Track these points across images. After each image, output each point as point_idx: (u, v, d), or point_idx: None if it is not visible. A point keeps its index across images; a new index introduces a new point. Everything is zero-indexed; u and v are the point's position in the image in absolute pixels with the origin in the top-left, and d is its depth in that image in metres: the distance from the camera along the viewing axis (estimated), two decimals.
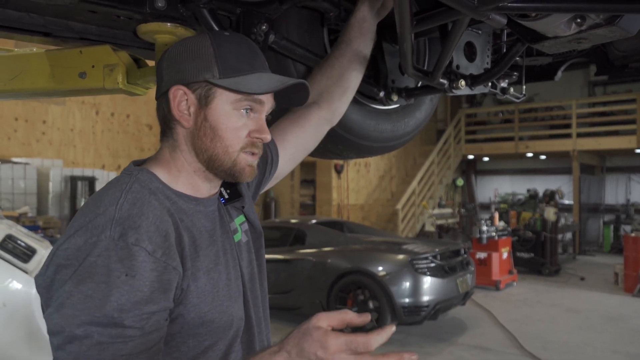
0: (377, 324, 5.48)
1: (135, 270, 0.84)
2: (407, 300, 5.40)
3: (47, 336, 2.92)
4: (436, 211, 11.99)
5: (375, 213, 12.89)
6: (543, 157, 14.11)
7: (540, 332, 5.92)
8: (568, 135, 12.63)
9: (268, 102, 1.04)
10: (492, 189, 14.96)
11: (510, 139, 13.52)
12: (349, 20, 1.39)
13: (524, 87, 1.63)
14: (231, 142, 1.00)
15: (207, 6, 1.25)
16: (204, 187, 1.05)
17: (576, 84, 14.16)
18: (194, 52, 1.00)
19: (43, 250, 3.58)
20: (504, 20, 0.98)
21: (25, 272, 3.44)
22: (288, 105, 1.16)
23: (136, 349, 0.83)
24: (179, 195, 1.00)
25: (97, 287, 0.82)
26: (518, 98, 1.63)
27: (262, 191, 1.34)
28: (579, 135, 12.48)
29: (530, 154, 13.51)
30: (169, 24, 1.31)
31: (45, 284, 0.88)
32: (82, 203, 10.84)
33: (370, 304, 5.53)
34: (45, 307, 0.88)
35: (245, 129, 1.01)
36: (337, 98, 1.39)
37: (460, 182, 14.47)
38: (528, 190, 13.07)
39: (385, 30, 1.52)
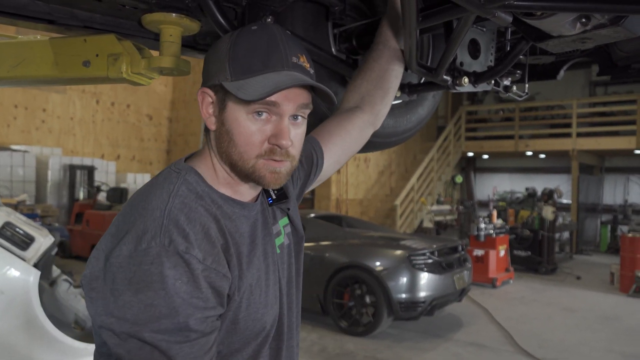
0: (374, 319, 5.51)
1: (189, 277, 0.84)
2: (403, 295, 5.42)
3: (45, 324, 2.88)
4: (434, 207, 11.99)
5: (374, 208, 12.91)
6: (542, 156, 14.13)
7: (536, 331, 5.95)
8: (568, 135, 12.64)
9: (291, 103, 0.96)
10: (490, 186, 14.96)
11: (511, 137, 13.53)
12: (382, 20, 1.37)
13: (527, 85, 1.63)
14: (244, 148, 0.96)
15: None
16: (244, 190, 1.03)
17: (577, 84, 14.16)
18: (218, 52, 0.99)
19: (41, 239, 3.57)
20: (510, 18, 0.99)
21: (24, 259, 3.44)
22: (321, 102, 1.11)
23: (201, 350, 0.85)
24: (224, 199, 0.99)
25: (155, 295, 0.83)
26: (520, 96, 1.63)
27: (306, 191, 1.33)
28: (579, 135, 12.49)
29: (529, 153, 13.53)
30: (174, 15, 1.30)
31: (97, 289, 0.87)
32: (81, 192, 10.87)
33: (367, 299, 5.55)
34: (97, 310, 0.87)
35: (260, 134, 0.96)
36: (379, 101, 1.38)
37: (459, 179, 14.47)
38: (527, 189, 13.07)
39: None
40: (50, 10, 1.27)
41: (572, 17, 1.07)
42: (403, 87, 1.60)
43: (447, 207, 12.55)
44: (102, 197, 10.16)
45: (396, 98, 1.63)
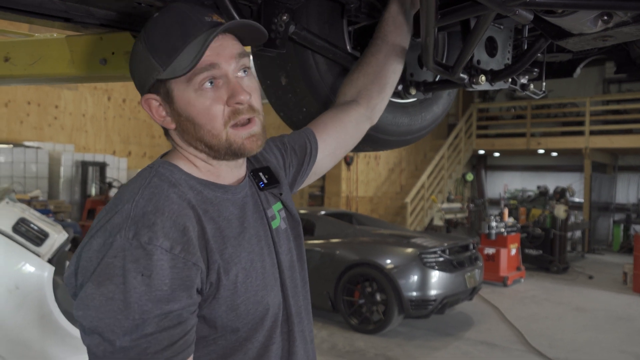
0: (384, 316, 5.50)
1: (151, 270, 0.84)
2: (414, 293, 5.40)
3: (59, 320, 2.92)
4: (445, 205, 11.94)
5: (384, 206, 12.88)
6: (554, 154, 14.01)
7: (547, 330, 5.91)
8: (581, 133, 12.51)
9: (228, 58, 0.95)
10: (501, 184, 14.88)
11: (522, 134, 13.42)
12: (382, 15, 1.37)
13: (544, 83, 1.62)
14: (211, 124, 0.95)
15: None
16: (226, 173, 1.03)
17: (591, 81, 14.00)
18: (137, 55, 0.97)
19: (55, 235, 3.60)
20: (531, 16, 0.97)
21: (38, 255, 3.47)
22: (250, 43, 1.07)
23: (160, 345, 0.84)
24: (204, 184, 0.98)
25: (116, 289, 0.83)
26: (537, 95, 1.61)
27: (301, 187, 1.32)
28: (592, 132, 12.36)
29: (541, 151, 13.42)
30: None
31: (72, 284, 0.90)
32: (92, 188, 10.95)
33: (378, 297, 5.54)
34: (74, 306, 0.90)
35: (216, 102, 0.95)
36: (375, 95, 1.37)
37: (470, 176, 14.40)
38: (538, 187, 12.97)
39: None
40: (67, 9, 1.27)
41: (593, 14, 1.05)
42: (418, 85, 1.59)
43: (457, 205, 12.49)
44: (113, 193, 10.23)
45: (411, 96, 1.62)
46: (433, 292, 5.44)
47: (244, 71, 0.98)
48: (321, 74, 1.51)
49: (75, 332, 3.47)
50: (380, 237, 6.13)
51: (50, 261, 3.54)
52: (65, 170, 10.83)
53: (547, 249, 9.74)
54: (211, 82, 0.94)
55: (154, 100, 0.98)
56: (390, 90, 1.41)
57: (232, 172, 1.04)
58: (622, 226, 13.09)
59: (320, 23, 1.47)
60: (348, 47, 1.54)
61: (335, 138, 1.34)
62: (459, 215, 12.36)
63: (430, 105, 1.76)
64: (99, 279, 0.84)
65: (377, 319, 5.61)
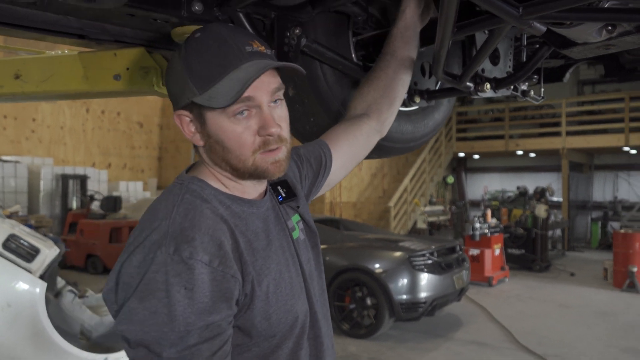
0: (375, 320, 5.54)
1: (193, 283, 0.86)
2: (404, 296, 5.45)
3: (52, 336, 2.88)
4: (428, 208, 12.06)
5: (367, 211, 12.95)
6: (532, 155, 14.28)
7: (534, 328, 6.02)
8: (558, 134, 12.80)
9: (264, 91, 0.97)
10: (481, 186, 15.09)
11: (501, 137, 13.66)
12: (391, 31, 1.40)
13: (542, 89, 1.67)
14: (239, 150, 0.98)
15: (244, 10, 1.27)
16: (251, 189, 1.06)
17: (566, 83, 14.28)
18: (174, 72, 0.99)
19: (46, 250, 3.56)
20: (544, 29, 1.02)
21: (29, 271, 3.42)
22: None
23: (202, 356, 0.87)
24: (232, 199, 1.01)
25: (159, 303, 0.85)
26: (537, 100, 1.67)
27: (315, 197, 1.35)
28: (569, 133, 12.65)
29: (520, 152, 13.68)
30: None
31: (111, 300, 0.92)
32: (74, 201, 10.78)
33: (368, 301, 5.58)
34: (115, 321, 0.92)
35: (248, 132, 0.97)
36: (385, 109, 1.41)
37: (450, 179, 14.56)
38: (518, 188, 13.20)
39: None
40: (82, 26, 1.29)
41: (599, 25, 1.11)
42: (422, 93, 1.63)
43: (440, 207, 12.62)
44: (95, 206, 10.09)
45: (415, 104, 1.66)
46: (423, 295, 5.50)
47: (275, 101, 1.01)
48: (329, 85, 1.54)
49: (69, 347, 3.43)
50: (368, 241, 6.18)
51: (42, 277, 3.49)
52: (45, 183, 10.66)
53: (529, 248, 9.92)
54: (244, 111, 0.97)
55: (186, 117, 1.01)
56: (399, 103, 1.45)
57: (255, 188, 1.07)
58: (599, 223, 13.41)
59: (328, 35, 1.50)
60: (354, 58, 1.57)
61: (347, 151, 1.38)
62: (442, 218, 12.48)
63: (432, 112, 1.81)
64: (142, 294, 0.86)
65: (368, 323, 5.64)
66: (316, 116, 1.60)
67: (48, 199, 10.70)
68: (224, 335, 0.90)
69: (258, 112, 0.98)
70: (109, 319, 4.15)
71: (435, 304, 5.60)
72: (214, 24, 1.03)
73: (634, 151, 12.94)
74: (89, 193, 10.65)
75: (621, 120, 12.12)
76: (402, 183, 12.55)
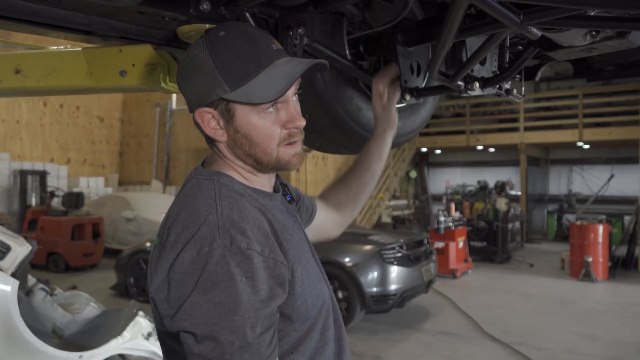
0: (347, 313, 5.63)
1: (253, 272, 0.89)
2: (375, 289, 5.57)
3: (24, 334, 2.84)
4: (392, 203, 12.28)
5: None
6: (492, 149, 14.71)
7: (499, 317, 6.25)
8: (516, 129, 13.24)
9: (292, 88, 1.03)
10: (443, 180, 15.46)
11: (462, 132, 14.02)
12: (368, 143, 1.52)
13: (523, 88, 1.78)
14: (267, 143, 1.02)
15: (250, 10, 1.31)
16: (267, 182, 1.10)
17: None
18: (198, 69, 0.99)
19: (18, 247, 3.49)
20: (540, 33, 1.11)
21: (1, 269, 3.35)
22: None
23: (265, 343, 0.89)
24: (258, 193, 1.05)
25: (224, 293, 0.87)
26: (518, 98, 1.77)
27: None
28: (526, 129, 13.11)
29: (480, 147, 14.07)
30: (207, 26, 1.36)
31: (166, 299, 0.92)
32: (33, 198, 10.45)
33: (340, 294, 5.67)
34: (168, 320, 0.92)
35: (276, 125, 1.02)
36: (348, 213, 1.52)
37: (413, 174, 14.86)
38: (478, 182, 13.61)
39: (398, 33, 1.63)
40: (89, 22, 1.30)
41: (585, 30, 1.20)
42: (412, 91, 1.71)
43: (404, 202, 12.87)
44: (56, 202, 9.83)
45: (405, 101, 1.74)
46: (393, 287, 5.63)
47: (295, 95, 1.06)
48: (325, 83, 1.60)
49: (43, 346, 3.38)
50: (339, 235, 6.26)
51: (14, 275, 3.41)
52: (2, 179, 10.32)
53: (491, 241, 10.25)
54: (274, 106, 1.01)
55: (208, 114, 1.02)
56: (359, 208, 1.57)
57: (270, 182, 1.12)
58: (555, 216, 13.95)
59: (324, 34, 1.56)
60: (348, 56, 1.63)
61: (317, 222, 1.45)
62: (406, 212, 12.74)
63: (419, 109, 1.89)
64: (204, 287, 0.87)
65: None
66: (312, 113, 1.65)
67: (5, 196, 10.35)
68: (276, 322, 0.94)
69: (283, 106, 1.02)
70: (81, 316, 4.10)
71: (405, 296, 5.75)
72: (234, 22, 1.06)
73: (587, 146, 13.51)
74: (49, 189, 10.35)
75: (575, 116, 12.64)
76: None
